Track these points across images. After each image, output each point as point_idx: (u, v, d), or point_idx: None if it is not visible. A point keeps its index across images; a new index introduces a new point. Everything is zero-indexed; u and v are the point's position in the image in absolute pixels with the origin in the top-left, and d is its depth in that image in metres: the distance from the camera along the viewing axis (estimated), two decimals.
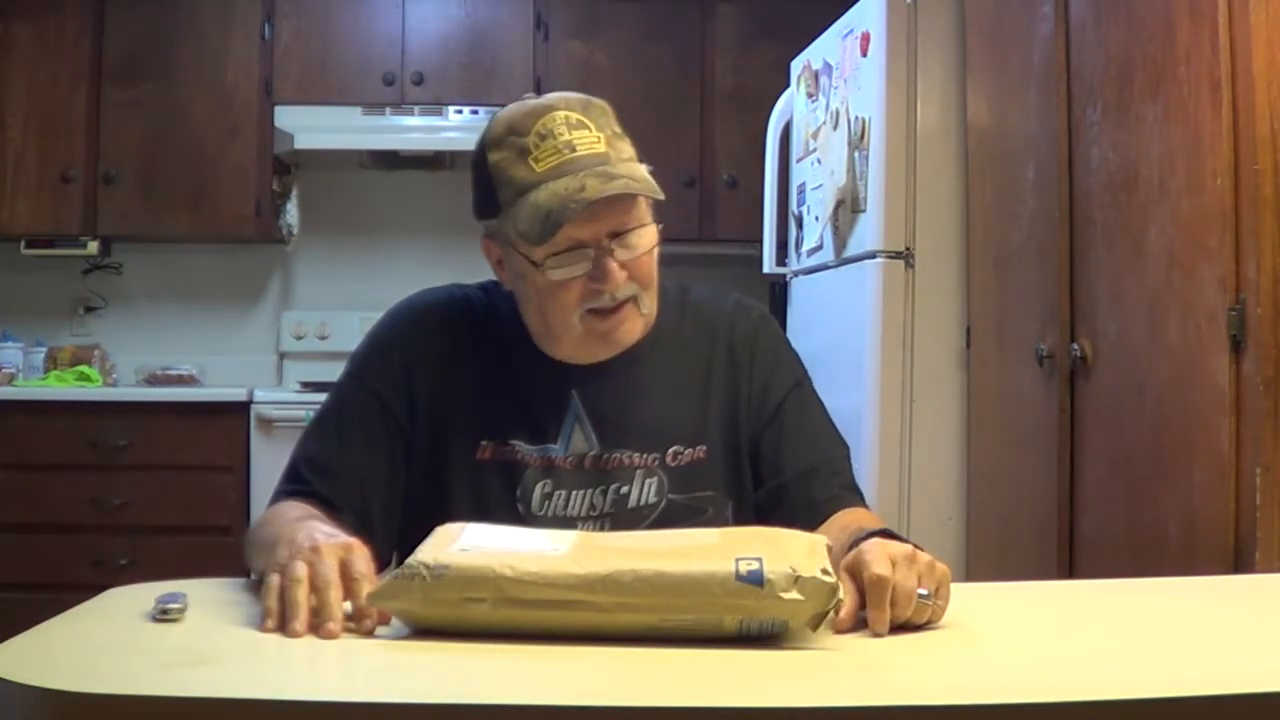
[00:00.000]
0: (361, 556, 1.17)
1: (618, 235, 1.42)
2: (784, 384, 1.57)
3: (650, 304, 1.48)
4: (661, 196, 1.42)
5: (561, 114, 1.42)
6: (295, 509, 1.39)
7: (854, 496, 1.54)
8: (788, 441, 1.53)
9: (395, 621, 1.11)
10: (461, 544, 1.14)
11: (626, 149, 1.45)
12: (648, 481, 1.49)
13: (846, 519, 1.44)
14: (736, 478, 1.54)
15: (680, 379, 1.54)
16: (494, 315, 1.54)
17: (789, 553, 1.10)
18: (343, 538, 1.21)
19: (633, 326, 1.47)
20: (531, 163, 1.40)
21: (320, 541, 1.18)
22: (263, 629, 1.10)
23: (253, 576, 1.30)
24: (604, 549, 1.15)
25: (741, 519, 1.51)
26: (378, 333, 1.55)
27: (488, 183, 1.44)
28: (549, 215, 1.36)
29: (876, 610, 1.13)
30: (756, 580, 1.06)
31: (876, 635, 1.12)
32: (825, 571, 1.08)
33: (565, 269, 1.41)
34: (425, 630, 1.10)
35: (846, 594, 1.14)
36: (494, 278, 1.57)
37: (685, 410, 1.53)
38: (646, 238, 1.44)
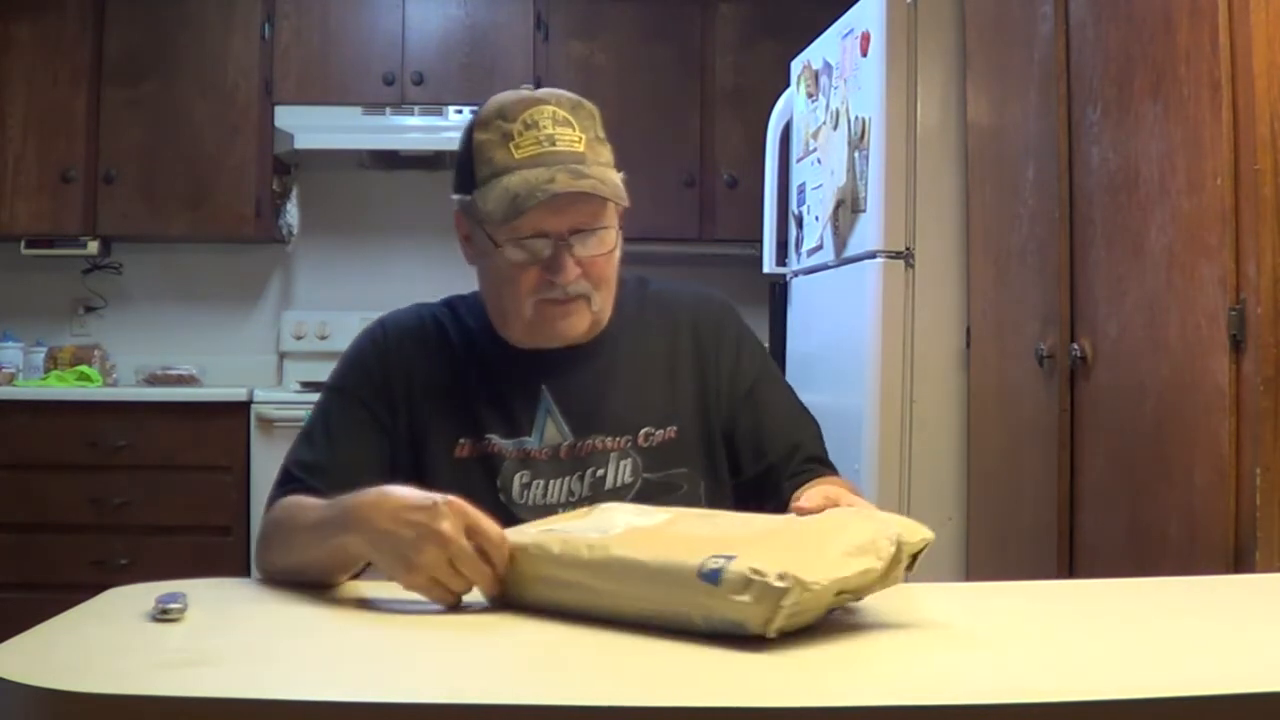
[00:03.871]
0: (468, 512, 1.21)
1: (580, 232, 1.48)
2: (752, 368, 1.64)
3: (602, 303, 1.54)
4: (625, 204, 1.50)
5: (550, 109, 1.49)
6: (311, 499, 1.41)
7: (830, 471, 1.62)
8: (766, 424, 1.61)
9: (395, 621, 1.11)
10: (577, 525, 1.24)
11: (605, 154, 1.51)
12: (622, 463, 1.55)
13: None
14: (709, 457, 1.60)
15: (646, 363, 1.60)
16: (460, 325, 1.60)
17: (799, 553, 1.08)
18: (439, 497, 1.23)
19: (579, 321, 1.53)
20: (512, 148, 1.47)
21: (436, 502, 1.20)
22: (443, 604, 1.18)
23: (278, 566, 1.37)
24: (648, 534, 1.19)
25: (715, 495, 1.58)
26: (352, 351, 1.61)
27: (469, 159, 1.52)
28: (516, 199, 1.44)
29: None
30: (713, 579, 1.05)
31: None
32: (782, 577, 1.02)
33: (523, 253, 1.48)
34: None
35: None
36: (459, 293, 1.65)
37: (653, 393, 1.59)
38: (606, 241, 1.51)
